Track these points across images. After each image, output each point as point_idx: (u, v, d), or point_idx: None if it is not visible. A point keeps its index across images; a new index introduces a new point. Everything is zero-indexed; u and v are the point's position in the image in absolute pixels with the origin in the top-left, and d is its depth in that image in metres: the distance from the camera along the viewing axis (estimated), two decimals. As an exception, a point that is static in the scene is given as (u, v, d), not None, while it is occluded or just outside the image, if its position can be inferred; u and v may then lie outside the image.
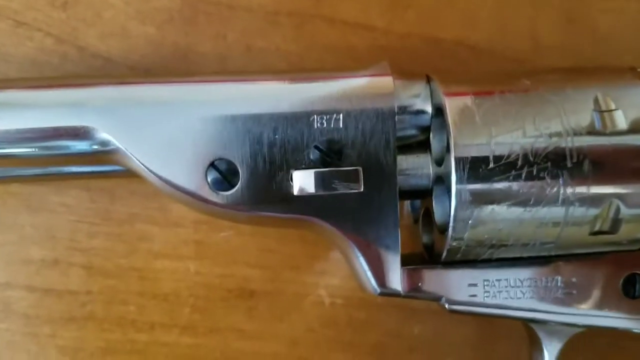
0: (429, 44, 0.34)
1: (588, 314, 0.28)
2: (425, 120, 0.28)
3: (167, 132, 0.26)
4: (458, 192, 0.25)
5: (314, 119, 0.26)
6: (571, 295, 0.27)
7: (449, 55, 0.34)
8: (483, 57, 0.34)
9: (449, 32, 0.34)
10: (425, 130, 0.28)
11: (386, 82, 0.27)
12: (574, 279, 0.27)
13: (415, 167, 0.28)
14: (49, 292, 0.33)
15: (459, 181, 0.25)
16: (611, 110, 0.26)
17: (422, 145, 0.28)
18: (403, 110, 0.27)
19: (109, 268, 0.33)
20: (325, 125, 0.26)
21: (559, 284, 0.27)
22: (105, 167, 0.28)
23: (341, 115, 0.26)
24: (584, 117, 0.26)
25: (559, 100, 0.26)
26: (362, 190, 0.26)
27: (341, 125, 0.26)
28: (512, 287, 0.27)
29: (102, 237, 0.33)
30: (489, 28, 0.34)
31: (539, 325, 0.28)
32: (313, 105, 0.26)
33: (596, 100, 0.26)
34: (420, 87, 0.28)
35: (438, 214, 0.28)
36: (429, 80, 0.28)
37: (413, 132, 0.28)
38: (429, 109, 0.27)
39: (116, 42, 0.32)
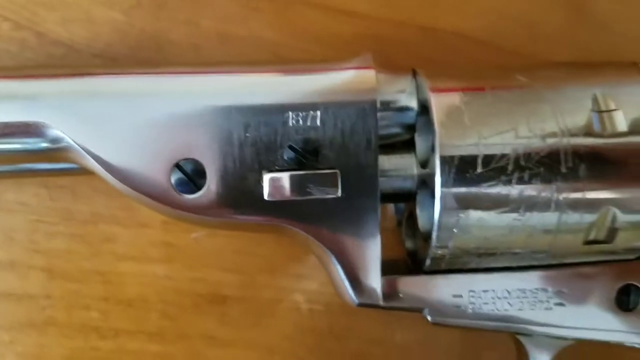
0: (422, 34, 0.32)
1: (579, 326, 0.26)
2: (410, 117, 0.26)
3: (127, 128, 0.24)
4: (443, 197, 0.24)
5: (288, 116, 0.24)
6: (562, 307, 0.26)
7: (443, 46, 0.32)
8: (479, 48, 0.32)
9: (444, 21, 0.32)
10: (410, 128, 0.26)
11: (368, 76, 0.25)
12: (565, 290, 0.26)
13: (399, 169, 0.26)
14: (6, 297, 0.31)
15: (444, 185, 0.23)
16: (611, 111, 0.24)
17: (407, 145, 0.26)
18: (386, 106, 0.25)
19: (70, 271, 0.31)
20: (300, 123, 0.25)
21: (549, 295, 0.26)
22: (64, 164, 0.26)
23: (318, 112, 0.25)
24: (582, 117, 0.24)
25: (555, 99, 0.24)
26: (339, 195, 0.24)
27: (318, 123, 0.25)
28: (499, 298, 0.25)
29: (63, 238, 0.31)
30: (485, 17, 0.32)
31: (527, 338, 0.27)
32: (288, 101, 0.25)
33: (595, 100, 0.24)
34: (405, 82, 0.26)
35: (422, 220, 0.26)
36: (415, 74, 0.26)
37: (397, 130, 0.26)
38: (414, 105, 0.26)
39: (79, 28, 0.30)
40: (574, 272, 0.26)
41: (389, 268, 0.26)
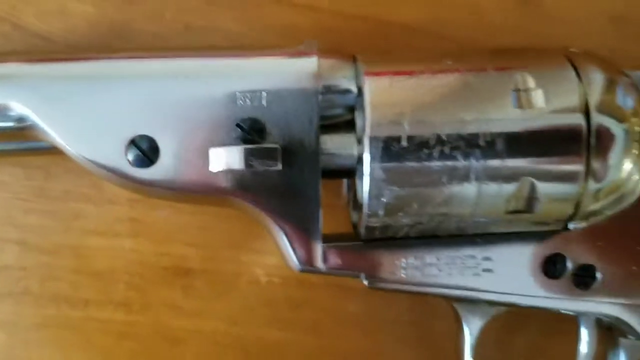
0: (376, 26, 0.34)
1: (506, 292, 0.28)
2: (350, 99, 0.28)
3: (87, 108, 0.26)
4: (371, 171, 0.26)
5: (237, 96, 0.26)
6: (490, 273, 0.28)
7: (392, 37, 0.34)
8: (433, 40, 0.34)
9: (394, 14, 0.34)
10: (351, 109, 0.28)
11: (311, 61, 0.27)
12: (493, 257, 0.28)
13: (341, 147, 0.28)
14: (-16, 268, 0.33)
15: (372, 160, 0.25)
16: (529, 90, 0.26)
17: (349, 125, 0.28)
18: (328, 89, 0.27)
19: (43, 245, 0.33)
20: (248, 102, 0.26)
21: (477, 261, 0.28)
22: (35, 142, 0.28)
23: (265, 94, 0.26)
24: (502, 96, 0.26)
25: (478, 81, 0.26)
26: (280, 168, 0.26)
27: (264, 104, 0.26)
28: (430, 264, 0.27)
29: (37, 214, 0.33)
30: (435, 9, 0.34)
31: (460, 304, 0.29)
32: (237, 82, 0.26)
33: (516, 80, 0.26)
34: (346, 67, 0.28)
35: (359, 193, 0.28)
36: (355, 60, 0.28)
37: (339, 111, 0.28)
38: (353, 88, 0.28)
39: (56, 20, 0.32)
40: (501, 241, 0.28)
41: (337, 239, 0.28)
